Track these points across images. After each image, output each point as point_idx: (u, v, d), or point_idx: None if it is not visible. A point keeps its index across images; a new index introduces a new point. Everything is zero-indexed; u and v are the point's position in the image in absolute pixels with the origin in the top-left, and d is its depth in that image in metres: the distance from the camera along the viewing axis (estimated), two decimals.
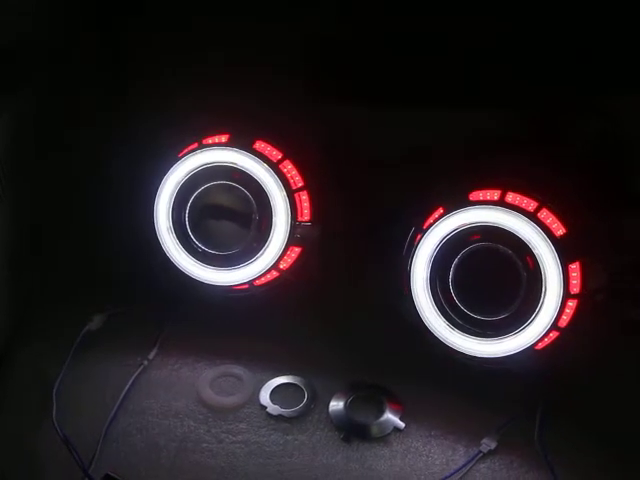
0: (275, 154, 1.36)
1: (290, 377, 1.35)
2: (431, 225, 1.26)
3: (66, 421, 1.23)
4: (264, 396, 1.32)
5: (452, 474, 1.19)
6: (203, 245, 1.38)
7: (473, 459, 1.21)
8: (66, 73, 1.47)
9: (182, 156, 1.36)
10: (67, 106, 1.48)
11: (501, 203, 1.22)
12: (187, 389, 1.33)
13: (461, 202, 1.25)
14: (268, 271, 1.36)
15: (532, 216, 1.21)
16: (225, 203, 1.36)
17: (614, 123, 1.41)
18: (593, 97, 1.39)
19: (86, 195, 1.52)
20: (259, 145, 1.35)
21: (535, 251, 1.20)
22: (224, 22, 1.46)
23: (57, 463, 1.19)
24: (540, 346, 1.23)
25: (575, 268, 1.21)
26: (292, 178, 1.35)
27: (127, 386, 1.31)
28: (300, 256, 1.38)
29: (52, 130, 1.47)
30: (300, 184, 1.36)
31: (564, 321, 1.22)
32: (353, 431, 1.26)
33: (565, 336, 1.23)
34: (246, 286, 1.38)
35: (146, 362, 1.37)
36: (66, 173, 1.49)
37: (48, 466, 1.19)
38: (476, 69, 1.42)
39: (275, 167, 1.33)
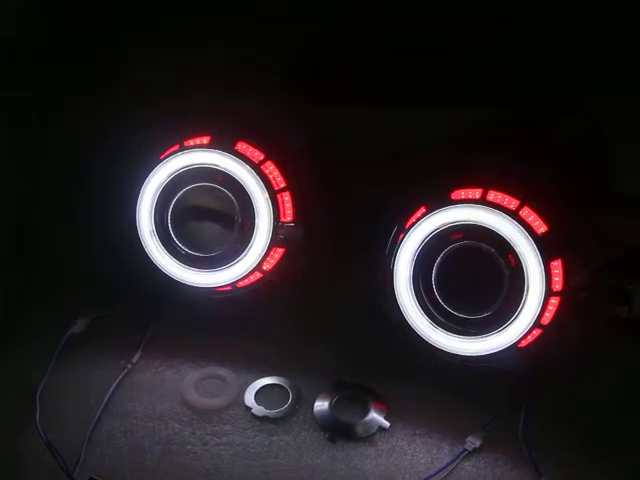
0: (257, 155, 1.35)
1: (275, 378, 1.35)
2: (413, 224, 1.26)
3: (50, 425, 1.23)
4: (249, 397, 1.32)
5: (437, 472, 1.19)
6: (186, 247, 1.37)
7: (458, 457, 1.21)
8: (52, 74, 1.47)
9: (163, 158, 1.36)
10: (48, 106, 1.48)
11: (483, 202, 1.23)
12: (171, 391, 1.33)
13: (443, 201, 1.25)
14: (251, 272, 1.36)
15: (514, 214, 1.21)
16: (207, 205, 1.36)
17: (597, 122, 1.41)
18: (576, 96, 1.40)
19: (69, 196, 1.52)
20: (241, 146, 1.35)
21: (517, 249, 1.20)
22: (209, 22, 1.46)
23: (41, 467, 1.19)
24: (523, 344, 1.23)
25: (557, 265, 1.22)
26: (274, 179, 1.35)
27: (111, 389, 1.31)
28: (283, 257, 1.38)
29: (34, 132, 1.47)
30: (282, 185, 1.36)
31: (547, 319, 1.22)
32: (338, 431, 1.26)
33: (548, 333, 1.23)
34: (229, 287, 1.38)
35: (130, 365, 1.36)
36: (49, 174, 1.49)
37: (32, 470, 1.19)
38: (460, 70, 1.42)
39: (257, 168, 1.33)
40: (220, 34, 1.45)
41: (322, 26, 1.45)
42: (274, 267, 1.38)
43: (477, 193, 1.24)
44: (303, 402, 1.31)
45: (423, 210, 1.27)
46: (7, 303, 1.44)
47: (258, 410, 1.29)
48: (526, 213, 1.22)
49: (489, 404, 1.27)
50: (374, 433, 1.26)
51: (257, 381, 1.35)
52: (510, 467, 1.20)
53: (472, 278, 1.26)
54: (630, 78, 1.36)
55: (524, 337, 1.22)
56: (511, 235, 1.21)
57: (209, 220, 1.36)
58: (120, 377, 1.34)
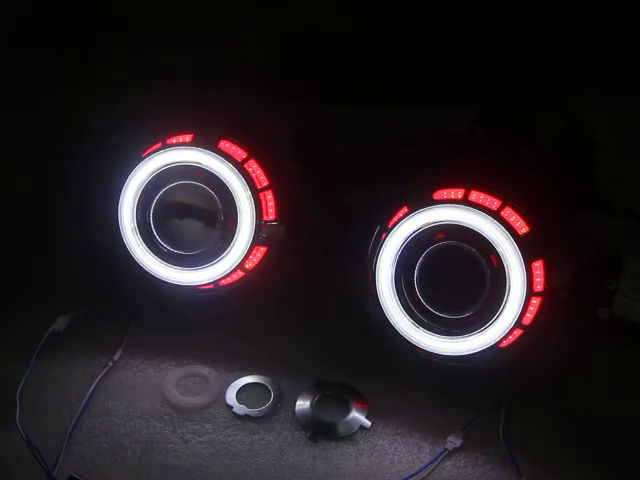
0: (240, 153, 1.35)
1: (256, 377, 1.35)
2: (396, 224, 1.26)
3: (30, 423, 1.22)
4: (230, 396, 1.31)
5: (418, 472, 1.19)
6: (168, 245, 1.37)
7: (439, 457, 1.21)
8: (31, 70, 1.47)
9: (146, 156, 1.35)
10: (30, 106, 1.47)
11: (465, 202, 1.23)
12: (153, 390, 1.32)
13: (425, 201, 1.25)
14: (234, 271, 1.36)
15: (495, 214, 1.21)
16: (190, 203, 1.35)
17: (579, 123, 1.42)
18: (558, 97, 1.40)
19: (50, 194, 1.51)
20: (223, 145, 1.35)
21: (498, 249, 1.21)
22: (192, 19, 1.46)
23: (21, 465, 1.18)
24: (504, 344, 1.24)
25: (538, 266, 1.22)
26: (257, 178, 1.35)
27: (92, 387, 1.31)
28: (265, 256, 1.38)
29: (16, 131, 1.46)
30: (265, 183, 1.36)
31: (528, 319, 1.23)
32: (319, 430, 1.26)
33: (529, 334, 1.23)
34: (212, 286, 1.38)
35: (111, 363, 1.36)
36: (30, 172, 1.48)
37: (12, 468, 1.18)
38: (443, 69, 1.43)
39: (240, 166, 1.33)
40: (204, 31, 1.45)
41: (306, 24, 1.45)
42: (256, 266, 1.38)
43: (459, 193, 1.25)
44: (284, 401, 1.31)
45: (405, 210, 1.27)
46: None
47: (239, 409, 1.29)
48: (508, 213, 1.23)
49: (470, 404, 1.28)
50: (355, 432, 1.26)
51: (238, 380, 1.34)
52: (491, 467, 1.20)
53: (454, 278, 1.26)
54: (612, 79, 1.37)
55: (505, 337, 1.23)
56: (492, 235, 1.21)
57: (191, 218, 1.36)
58: (101, 375, 1.33)
